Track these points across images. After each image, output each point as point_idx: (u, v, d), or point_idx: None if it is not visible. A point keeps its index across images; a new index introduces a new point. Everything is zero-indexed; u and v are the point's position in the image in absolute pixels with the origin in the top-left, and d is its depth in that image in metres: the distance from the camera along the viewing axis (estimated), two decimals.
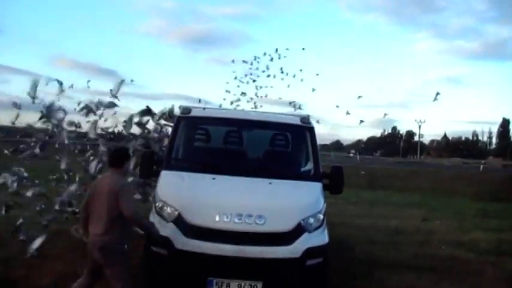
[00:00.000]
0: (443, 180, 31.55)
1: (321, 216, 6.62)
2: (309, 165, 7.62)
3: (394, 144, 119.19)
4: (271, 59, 13.20)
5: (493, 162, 67.62)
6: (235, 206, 6.26)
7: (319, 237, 6.52)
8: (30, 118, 9.28)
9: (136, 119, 9.74)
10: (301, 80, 13.01)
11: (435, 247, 11.43)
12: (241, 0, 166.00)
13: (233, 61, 14.01)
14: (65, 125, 9.27)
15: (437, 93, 12.19)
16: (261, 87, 13.15)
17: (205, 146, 8.23)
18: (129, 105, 10.90)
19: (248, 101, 12.98)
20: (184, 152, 7.84)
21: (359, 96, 13.46)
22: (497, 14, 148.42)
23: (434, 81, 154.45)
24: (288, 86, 13.01)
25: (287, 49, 13.42)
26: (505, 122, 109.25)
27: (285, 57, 13.23)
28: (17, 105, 9.07)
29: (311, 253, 6.30)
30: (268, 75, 13.27)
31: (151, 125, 10.04)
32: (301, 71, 13.21)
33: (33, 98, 8.93)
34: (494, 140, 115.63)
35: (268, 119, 8.19)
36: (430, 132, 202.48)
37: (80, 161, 9.60)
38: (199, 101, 11.73)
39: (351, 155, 63.84)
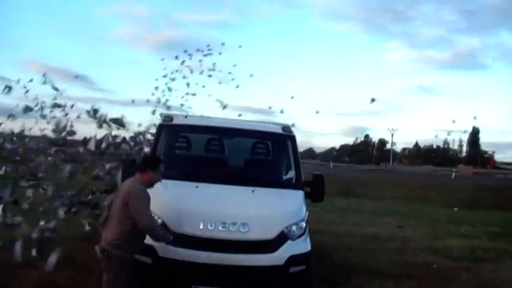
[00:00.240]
0: (415, 188, 31.99)
1: (304, 224, 6.70)
2: (291, 174, 7.70)
3: (367, 152, 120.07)
4: (205, 55, 12.60)
5: (463, 169, 68.62)
6: (219, 214, 6.29)
7: (302, 245, 6.59)
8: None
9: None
10: (232, 80, 12.58)
11: (411, 254, 11.59)
12: (214, 8, 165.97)
13: (176, 57, 12.78)
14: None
15: (373, 99, 12.39)
16: (197, 83, 12.42)
17: (188, 154, 8.26)
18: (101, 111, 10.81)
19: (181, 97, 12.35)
20: (166, 160, 7.82)
21: (317, 111, 13.01)
22: (466, 25, 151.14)
23: (406, 90, 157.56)
24: (220, 83, 12.66)
25: (222, 44, 13.17)
26: (475, 131, 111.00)
27: (220, 53, 12.72)
28: None
29: (294, 261, 6.36)
30: (201, 72, 12.54)
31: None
32: (234, 66, 12.85)
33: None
34: (464, 148, 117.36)
35: (250, 128, 8.26)
36: (401, 140, 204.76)
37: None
38: (159, 101, 11.71)
39: (332, 165, 64.06)
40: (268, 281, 6.27)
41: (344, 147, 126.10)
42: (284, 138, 7.97)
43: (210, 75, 12.17)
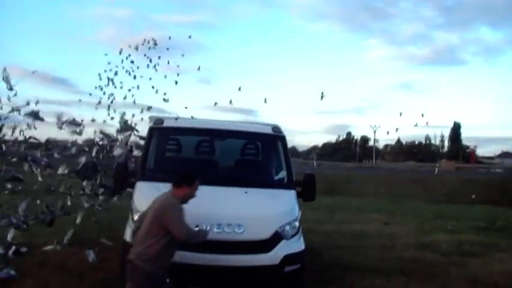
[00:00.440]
0: (399, 184, 32.23)
1: (297, 224, 6.80)
2: (282, 174, 7.77)
3: (349, 150, 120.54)
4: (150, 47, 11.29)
5: (446, 165, 69.34)
6: (214, 216, 6.35)
7: (296, 244, 6.70)
8: None
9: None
10: (165, 77, 11.35)
11: (400, 250, 11.71)
12: (194, 9, 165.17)
13: (120, 52, 11.56)
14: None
15: (323, 94, 12.48)
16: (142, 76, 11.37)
17: (179, 156, 8.30)
18: (83, 114, 10.64)
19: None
20: (158, 163, 7.87)
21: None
22: (445, 21, 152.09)
23: (387, 87, 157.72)
24: (157, 90, 11.31)
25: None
26: (456, 126, 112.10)
27: (167, 49, 11.80)
28: None
29: (289, 260, 6.46)
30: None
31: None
32: (168, 63, 11.53)
33: None
34: (446, 144, 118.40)
35: (240, 129, 8.34)
36: (383, 137, 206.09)
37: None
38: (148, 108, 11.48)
39: (315, 164, 64.37)
40: (264, 281, 6.36)
41: (326, 145, 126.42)
42: (274, 138, 8.06)
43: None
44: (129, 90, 10.61)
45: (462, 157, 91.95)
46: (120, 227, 9.32)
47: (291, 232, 6.66)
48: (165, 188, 7.03)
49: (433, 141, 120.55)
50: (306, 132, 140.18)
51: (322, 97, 10.46)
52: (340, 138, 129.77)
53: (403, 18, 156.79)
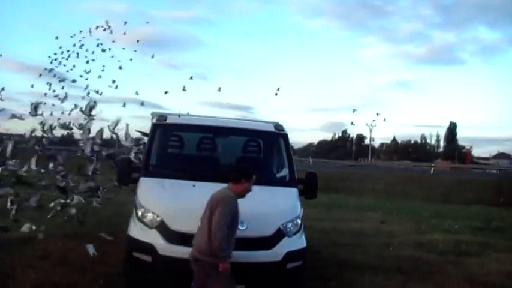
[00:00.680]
0: (395, 183, 32.25)
1: (299, 221, 6.88)
2: (285, 171, 7.85)
3: (345, 148, 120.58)
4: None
5: (441, 165, 69.44)
6: None
7: (298, 241, 6.78)
8: None
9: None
10: (99, 77, 12.14)
11: (397, 248, 11.79)
12: (191, 4, 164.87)
13: (72, 36, 12.23)
14: None
15: (278, 89, 12.67)
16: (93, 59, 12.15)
17: (182, 153, 8.34)
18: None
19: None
20: (162, 159, 7.93)
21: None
22: (443, 20, 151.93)
23: (383, 85, 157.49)
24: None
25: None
26: (452, 126, 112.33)
27: (109, 49, 12.33)
28: None
29: (291, 257, 6.54)
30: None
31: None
32: (112, 57, 12.40)
33: None
34: (442, 143, 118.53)
35: (243, 126, 8.40)
36: (379, 136, 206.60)
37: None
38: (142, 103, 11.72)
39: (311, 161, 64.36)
40: (266, 277, 6.42)
41: (322, 143, 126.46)
42: (277, 136, 8.12)
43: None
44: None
45: (458, 157, 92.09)
46: (119, 221, 9.47)
47: (293, 229, 6.74)
48: (169, 184, 7.13)
49: (428, 141, 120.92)
50: (302, 130, 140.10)
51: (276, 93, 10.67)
52: (336, 136, 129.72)
53: (401, 17, 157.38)
